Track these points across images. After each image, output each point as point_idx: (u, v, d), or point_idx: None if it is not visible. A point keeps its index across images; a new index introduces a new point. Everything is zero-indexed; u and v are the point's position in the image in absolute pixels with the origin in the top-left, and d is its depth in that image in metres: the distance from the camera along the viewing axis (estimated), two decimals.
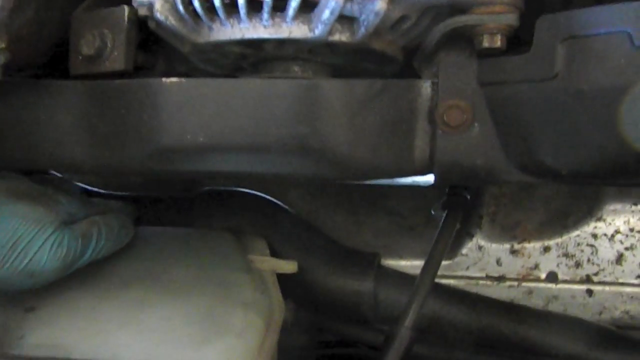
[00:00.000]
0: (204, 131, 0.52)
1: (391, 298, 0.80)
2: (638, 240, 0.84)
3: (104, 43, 0.56)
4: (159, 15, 0.54)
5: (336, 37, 0.52)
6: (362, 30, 0.51)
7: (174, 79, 0.53)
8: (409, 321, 0.66)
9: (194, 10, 0.52)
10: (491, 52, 0.53)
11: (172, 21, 0.54)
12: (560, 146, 0.52)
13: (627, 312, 0.84)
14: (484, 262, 0.87)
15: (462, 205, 0.75)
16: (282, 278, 0.75)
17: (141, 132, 0.54)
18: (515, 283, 0.86)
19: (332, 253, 0.81)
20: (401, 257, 0.89)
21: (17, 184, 0.60)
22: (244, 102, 0.51)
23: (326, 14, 0.49)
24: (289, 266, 0.75)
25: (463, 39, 0.54)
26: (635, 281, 0.84)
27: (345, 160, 0.53)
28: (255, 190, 0.87)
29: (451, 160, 0.56)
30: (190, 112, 0.52)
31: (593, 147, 0.50)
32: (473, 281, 0.87)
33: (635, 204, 0.84)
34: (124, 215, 0.69)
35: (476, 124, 0.55)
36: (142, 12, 0.55)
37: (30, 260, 0.55)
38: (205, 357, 0.57)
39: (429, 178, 0.96)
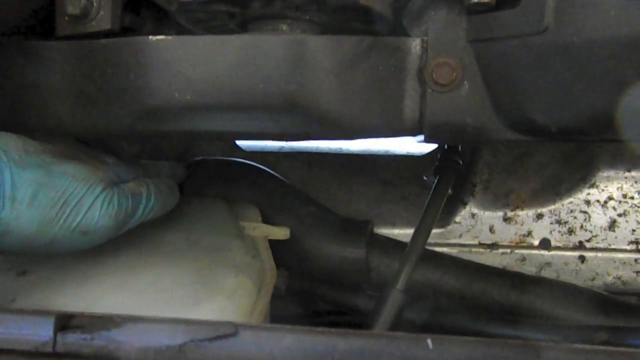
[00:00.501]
0: (192, 89, 0.52)
1: (383, 265, 0.80)
2: (631, 206, 0.84)
3: (90, 2, 0.56)
4: None
5: None
6: None
7: (160, 37, 0.52)
8: (400, 284, 0.66)
9: None
10: (480, 8, 0.52)
11: None
12: (550, 102, 0.51)
13: (619, 278, 0.84)
14: (477, 229, 0.87)
15: (453, 170, 0.75)
16: (276, 246, 0.75)
17: (128, 92, 0.54)
18: (509, 250, 0.86)
19: (324, 221, 0.81)
20: (394, 226, 0.89)
21: (65, 145, 0.59)
22: (231, 59, 0.51)
23: None
24: (280, 232, 0.75)
25: None
26: (628, 247, 0.84)
27: (333, 118, 0.52)
28: (250, 161, 0.87)
29: (441, 120, 0.55)
30: (178, 70, 0.52)
31: (583, 102, 0.50)
32: (466, 249, 0.87)
33: (629, 170, 0.84)
34: (171, 179, 0.69)
35: (466, 82, 0.55)
36: None
37: (83, 218, 0.54)
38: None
39: (421, 146, 0.96)
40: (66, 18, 0.57)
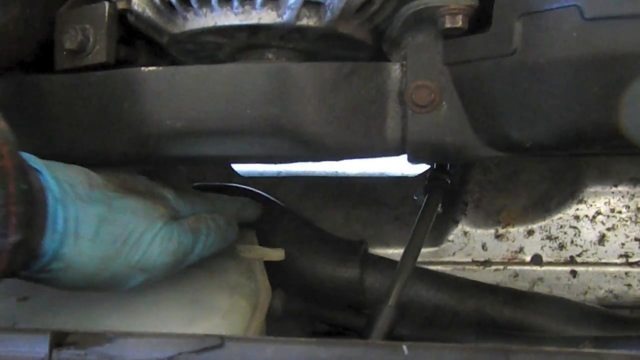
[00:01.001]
0: (182, 117, 0.55)
1: (378, 283, 0.81)
2: (619, 220, 0.85)
3: (86, 37, 0.59)
4: (136, 7, 0.57)
5: (304, 21, 0.54)
6: (329, 14, 0.54)
7: (152, 68, 0.55)
8: (392, 300, 0.68)
9: (169, 1, 0.55)
10: (454, 32, 0.55)
11: (149, 13, 0.57)
12: (523, 119, 0.54)
13: (611, 292, 0.85)
14: (470, 247, 0.89)
15: (442, 189, 0.77)
16: (272, 268, 0.77)
17: (123, 120, 0.57)
18: (501, 267, 0.88)
19: (319, 241, 0.83)
20: (388, 246, 0.91)
21: (126, 178, 0.59)
22: (219, 87, 0.54)
23: None
24: (275, 254, 0.77)
25: (428, 22, 0.56)
26: (618, 260, 0.85)
27: (318, 140, 0.55)
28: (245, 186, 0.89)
29: (422, 139, 0.58)
30: (169, 99, 0.55)
31: (553, 118, 0.52)
32: (460, 266, 0.89)
33: (615, 185, 0.86)
34: (231, 213, 0.68)
35: (444, 103, 0.57)
36: (121, 5, 0.58)
37: (143, 254, 0.54)
38: None
39: (414, 168, 0.98)
40: (64, 53, 0.61)
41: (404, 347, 0.39)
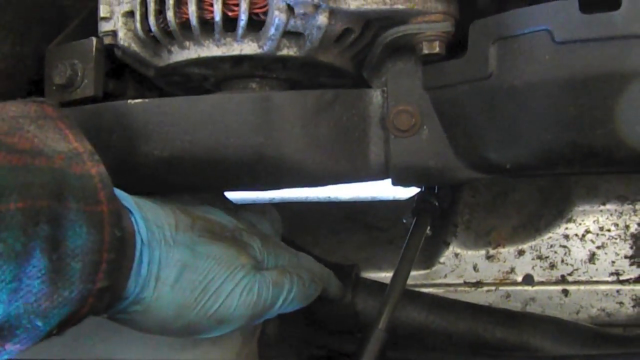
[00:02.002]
0: (169, 146, 0.56)
1: (370, 307, 0.81)
2: (608, 238, 0.86)
3: (75, 72, 0.61)
4: (122, 42, 0.58)
5: (284, 52, 0.56)
6: (308, 44, 0.55)
7: (138, 100, 0.57)
8: (382, 323, 0.68)
9: (153, 35, 0.57)
10: (432, 58, 0.57)
11: (134, 47, 0.58)
12: (501, 141, 0.55)
13: (603, 310, 0.85)
14: (461, 269, 0.89)
15: (430, 211, 0.78)
16: None
17: (112, 152, 0.58)
18: (493, 287, 0.88)
19: None
20: (381, 269, 0.92)
21: (214, 219, 0.57)
22: (203, 117, 0.55)
23: (272, 30, 0.53)
24: None
25: (407, 49, 0.58)
26: (609, 279, 0.86)
27: (301, 166, 0.56)
28: None
29: (405, 163, 0.59)
30: (155, 130, 0.56)
31: (530, 140, 0.53)
32: (452, 288, 0.89)
33: (604, 204, 0.87)
34: (314, 271, 0.66)
35: (425, 127, 0.58)
36: (108, 40, 0.59)
37: (221, 305, 0.52)
38: None
39: (405, 191, 0.99)
40: (54, 87, 0.62)
41: None
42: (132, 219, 0.49)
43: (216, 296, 0.52)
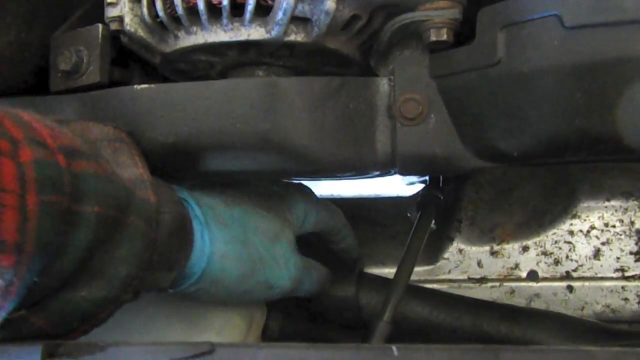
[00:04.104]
0: (174, 132, 0.56)
1: (374, 302, 0.81)
2: (613, 234, 0.86)
3: (80, 59, 0.60)
4: (128, 28, 0.58)
5: (292, 37, 0.55)
6: (316, 29, 0.55)
7: (144, 86, 0.56)
8: (387, 316, 0.68)
9: (160, 20, 0.56)
10: (440, 46, 0.56)
11: (141, 33, 0.58)
12: (508, 128, 0.55)
13: (608, 306, 0.85)
14: (466, 264, 0.89)
15: (434, 205, 0.77)
16: None
17: None
18: (497, 283, 0.88)
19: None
20: (384, 265, 0.91)
21: (260, 192, 0.66)
22: (209, 103, 0.55)
23: (280, 15, 0.53)
24: None
25: (414, 36, 0.58)
26: (614, 275, 0.85)
27: (307, 153, 0.56)
28: None
29: (412, 152, 0.59)
30: (160, 115, 0.56)
31: (538, 127, 0.53)
32: (456, 284, 0.88)
33: (608, 200, 0.86)
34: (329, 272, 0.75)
35: (432, 115, 0.58)
36: (114, 26, 0.59)
37: (272, 273, 0.61)
38: None
39: (408, 189, 0.99)
40: (59, 74, 0.62)
41: (394, 348, 0.39)
42: (188, 206, 0.56)
43: (269, 266, 0.60)
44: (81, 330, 0.49)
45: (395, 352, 0.39)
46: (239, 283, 0.58)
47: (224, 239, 0.57)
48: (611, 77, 0.49)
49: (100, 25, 0.61)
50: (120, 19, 0.58)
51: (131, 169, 0.51)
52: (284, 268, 0.62)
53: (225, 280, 0.57)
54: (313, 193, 0.74)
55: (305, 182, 0.74)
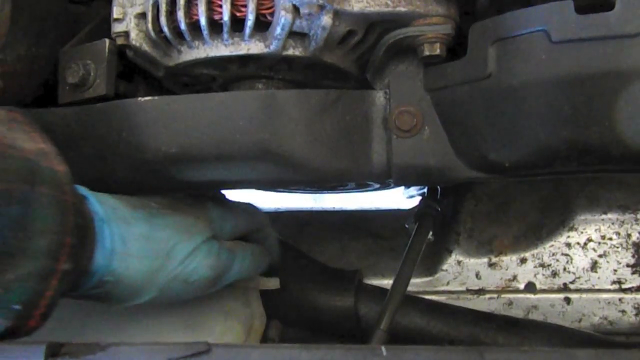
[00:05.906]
0: (176, 143, 0.58)
1: (372, 312, 0.82)
2: (610, 247, 0.87)
3: (87, 72, 0.63)
4: (134, 42, 0.60)
5: (290, 51, 0.57)
6: (313, 44, 0.57)
7: (147, 98, 0.58)
8: (384, 324, 0.69)
9: (164, 35, 0.59)
10: (433, 60, 0.58)
11: (145, 47, 0.60)
12: (499, 140, 0.56)
13: (605, 318, 0.86)
14: (464, 276, 0.90)
15: (432, 216, 0.79)
16: (268, 298, 0.79)
17: (121, 148, 0.59)
18: (495, 295, 0.89)
19: (314, 272, 0.84)
20: (384, 276, 0.93)
21: (172, 199, 0.64)
22: (210, 115, 0.57)
23: (278, 30, 0.55)
24: (270, 282, 0.78)
25: (408, 51, 0.60)
26: (611, 287, 0.86)
27: (305, 164, 0.57)
28: None
29: (407, 162, 0.60)
30: (163, 127, 0.58)
31: (528, 138, 0.55)
32: (454, 295, 0.90)
33: (605, 213, 0.88)
34: (263, 248, 0.72)
35: (426, 127, 0.60)
36: (120, 41, 0.61)
37: (184, 267, 0.58)
38: None
39: (407, 201, 1.00)
40: (67, 87, 0.64)
41: (383, 348, 0.40)
42: (88, 204, 0.54)
43: (179, 259, 0.58)
44: (40, 314, 0.48)
45: (384, 352, 0.40)
46: (148, 281, 0.56)
47: (127, 237, 0.55)
48: (597, 90, 0.51)
49: (107, 40, 0.63)
50: (126, 34, 0.61)
51: (30, 144, 0.50)
52: (199, 260, 0.59)
53: (131, 278, 0.55)
54: (228, 199, 0.73)
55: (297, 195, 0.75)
